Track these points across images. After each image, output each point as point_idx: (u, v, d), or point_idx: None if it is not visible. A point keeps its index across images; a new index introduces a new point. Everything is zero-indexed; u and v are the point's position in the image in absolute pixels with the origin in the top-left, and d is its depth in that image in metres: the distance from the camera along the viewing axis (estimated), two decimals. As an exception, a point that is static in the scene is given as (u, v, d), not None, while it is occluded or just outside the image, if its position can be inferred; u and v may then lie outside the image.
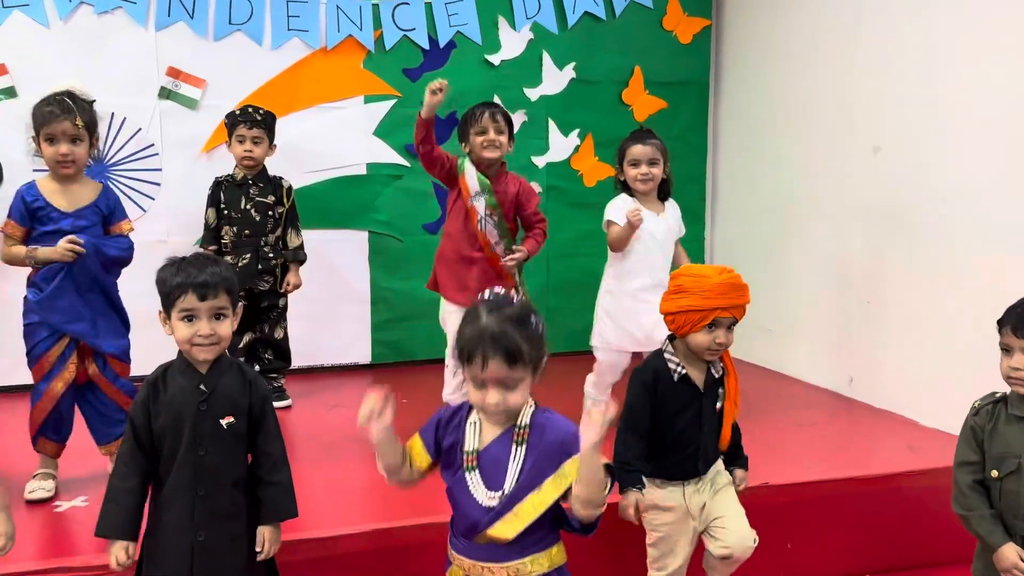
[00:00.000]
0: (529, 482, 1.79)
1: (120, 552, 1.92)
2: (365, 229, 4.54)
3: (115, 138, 4.07)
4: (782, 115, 4.53)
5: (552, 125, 4.76)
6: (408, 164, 4.51)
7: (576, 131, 4.79)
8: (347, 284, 4.51)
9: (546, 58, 4.71)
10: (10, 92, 3.92)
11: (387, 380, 4.26)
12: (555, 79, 4.74)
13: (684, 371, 2.34)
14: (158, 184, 4.17)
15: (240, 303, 2.05)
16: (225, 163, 3.91)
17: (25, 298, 2.78)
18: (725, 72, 5.01)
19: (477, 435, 1.84)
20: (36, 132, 2.71)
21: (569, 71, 4.75)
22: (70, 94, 2.72)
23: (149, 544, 1.98)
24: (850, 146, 4.03)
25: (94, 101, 2.81)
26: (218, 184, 3.78)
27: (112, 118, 4.01)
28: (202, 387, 1.97)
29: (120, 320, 2.88)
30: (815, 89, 4.27)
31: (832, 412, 3.89)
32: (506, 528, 1.78)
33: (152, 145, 4.16)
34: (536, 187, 4.70)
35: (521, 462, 1.80)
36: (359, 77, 4.43)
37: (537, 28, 4.68)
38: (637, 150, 3.30)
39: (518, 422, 1.82)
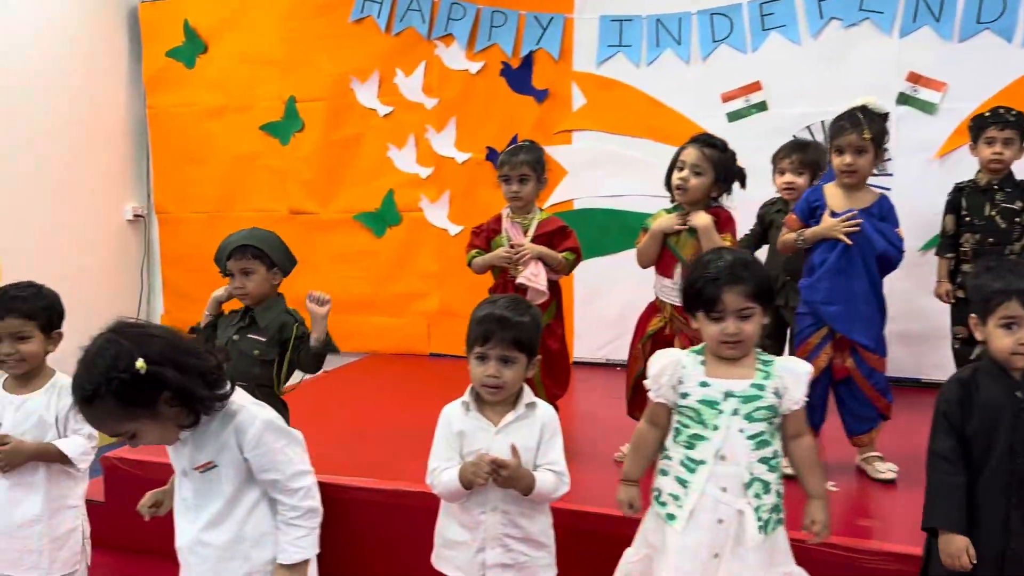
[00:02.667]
0: None
1: (965, 548, 1.89)
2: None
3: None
4: None
5: None
6: None
7: None
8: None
9: None
10: (762, 106, 4.38)
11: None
12: None
13: None
14: (888, 189, 4.22)
15: None
16: (959, 167, 3.78)
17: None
18: None
19: None
20: (829, 143, 2.97)
21: None
22: (863, 108, 2.90)
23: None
24: None
25: (887, 115, 2.95)
26: (959, 190, 3.68)
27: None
28: (1018, 394, 1.92)
29: (879, 312, 2.95)
30: None
31: None
32: None
33: (886, 150, 4.22)
34: None
35: None
36: None
37: None
38: None
39: None
